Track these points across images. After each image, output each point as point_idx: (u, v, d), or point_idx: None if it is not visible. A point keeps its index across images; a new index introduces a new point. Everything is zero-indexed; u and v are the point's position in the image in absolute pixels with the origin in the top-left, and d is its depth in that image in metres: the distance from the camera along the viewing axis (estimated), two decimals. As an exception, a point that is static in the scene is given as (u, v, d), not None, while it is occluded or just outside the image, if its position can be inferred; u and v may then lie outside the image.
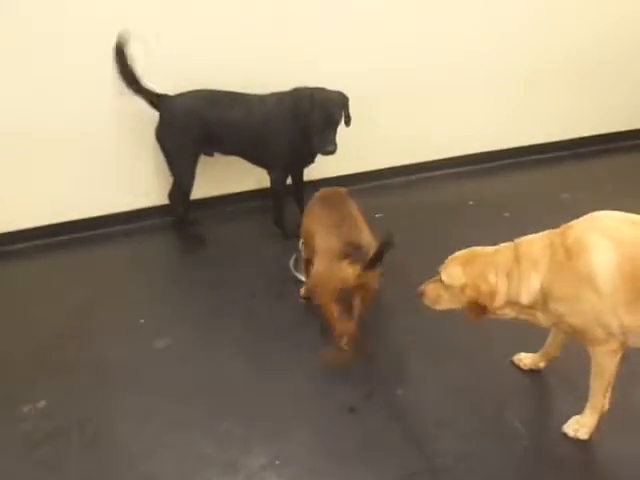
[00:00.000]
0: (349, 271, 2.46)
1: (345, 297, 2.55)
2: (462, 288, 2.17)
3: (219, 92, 3.42)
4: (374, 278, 2.53)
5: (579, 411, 2.27)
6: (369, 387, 2.54)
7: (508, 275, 2.13)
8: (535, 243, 2.14)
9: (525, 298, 2.13)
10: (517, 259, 2.13)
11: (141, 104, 3.35)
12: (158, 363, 2.72)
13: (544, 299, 2.11)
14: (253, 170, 3.65)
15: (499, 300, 2.15)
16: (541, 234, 2.17)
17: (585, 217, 2.13)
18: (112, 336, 2.90)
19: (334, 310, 2.54)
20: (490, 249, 2.22)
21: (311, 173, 3.85)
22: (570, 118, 4.60)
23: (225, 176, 3.89)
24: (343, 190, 2.94)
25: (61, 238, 3.70)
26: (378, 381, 2.57)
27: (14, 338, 2.93)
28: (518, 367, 2.58)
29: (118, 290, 3.27)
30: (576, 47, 4.37)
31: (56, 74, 3.35)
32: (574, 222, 2.13)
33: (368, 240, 2.56)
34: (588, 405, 2.24)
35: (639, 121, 4.78)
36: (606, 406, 2.24)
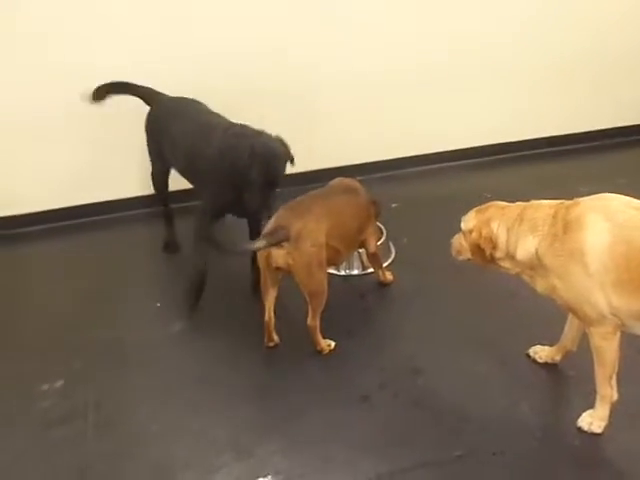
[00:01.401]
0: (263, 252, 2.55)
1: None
2: (470, 231, 2.32)
3: (194, 107, 3.14)
4: (298, 262, 2.52)
5: (593, 405, 2.27)
6: (383, 376, 2.55)
7: (509, 230, 2.23)
8: (541, 209, 2.21)
9: (520, 255, 2.21)
10: (521, 218, 2.22)
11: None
12: (174, 346, 2.74)
13: (540, 264, 2.17)
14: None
15: (499, 250, 2.26)
16: (551, 202, 2.23)
17: (595, 196, 2.17)
18: (128, 319, 2.93)
19: (264, 294, 2.66)
20: (504, 204, 2.34)
21: (325, 160, 3.83)
22: (587, 110, 4.55)
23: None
24: (348, 181, 2.97)
25: (78, 221, 3.73)
26: (392, 370, 2.58)
27: (31, 319, 2.97)
28: (534, 360, 2.57)
29: (135, 273, 3.29)
30: (593, 39, 4.31)
31: (68, 62, 3.38)
32: (583, 199, 2.17)
33: (299, 224, 2.53)
34: (597, 397, 2.25)
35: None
36: (615, 396, 2.23)
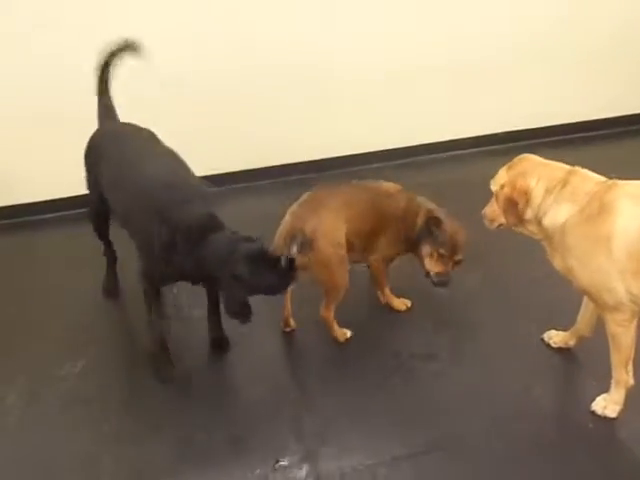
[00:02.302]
0: None
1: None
2: (502, 187, 2.20)
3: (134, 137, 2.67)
4: (314, 262, 2.45)
5: (608, 390, 2.27)
6: (397, 361, 2.57)
7: (547, 190, 2.13)
8: (588, 182, 2.12)
9: (547, 221, 2.14)
10: (564, 182, 2.12)
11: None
12: (194, 332, 2.74)
13: (561, 239, 2.11)
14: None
15: (531, 209, 2.15)
16: (598, 178, 2.15)
17: (636, 182, 2.10)
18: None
19: None
20: (541, 159, 2.24)
21: (338, 149, 3.83)
22: (618, 95, 4.48)
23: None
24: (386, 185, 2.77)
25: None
26: (406, 354, 2.60)
27: (49, 304, 3.00)
28: (548, 345, 2.58)
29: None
30: (623, 23, 4.26)
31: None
32: (623, 182, 2.10)
33: (313, 222, 2.46)
34: (612, 381, 2.25)
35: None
36: (631, 381, 2.23)
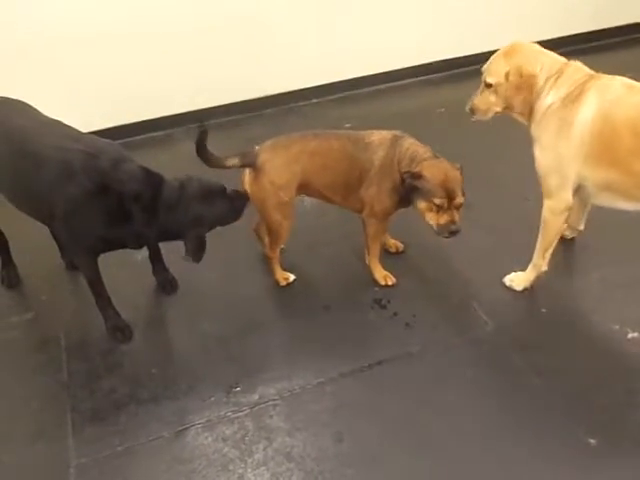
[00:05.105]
0: None
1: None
2: (506, 75, 2.30)
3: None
4: (254, 194, 2.46)
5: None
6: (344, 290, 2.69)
7: (547, 79, 2.28)
8: (579, 72, 2.28)
9: (538, 105, 2.29)
10: (561, 72, 2.27)
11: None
12: (142, 275, 2.75)
13: (541, 120, 2.29)
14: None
15: (534, 98, 2.29)
16: (589, 71, 2.30)
17: (611, 77, 2.27)
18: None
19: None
20: (535, 46, 2.36)
21: (278, 85, 3.81)
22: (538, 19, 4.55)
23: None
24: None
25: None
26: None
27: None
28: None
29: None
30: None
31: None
32: (606, 76, 2.27)
33: (266, 156, 2.46)
34: (530, 264, 2.52)
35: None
36: (545, 267, 2.51)
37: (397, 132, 2.49)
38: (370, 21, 4.08)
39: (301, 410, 2.17)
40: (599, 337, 2.39)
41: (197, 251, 2.30)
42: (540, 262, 2.50)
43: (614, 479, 1.91)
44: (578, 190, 2.35)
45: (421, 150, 2.41)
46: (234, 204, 2.38)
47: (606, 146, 2.18)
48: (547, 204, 2.38)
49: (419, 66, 4.36)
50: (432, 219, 2.37)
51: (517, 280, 2.56)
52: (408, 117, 3.88)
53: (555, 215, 2.37)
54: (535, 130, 2.34)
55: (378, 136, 2.47)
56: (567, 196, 2.32)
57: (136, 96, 3.64)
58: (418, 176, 2.31)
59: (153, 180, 2.27)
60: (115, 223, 2.25)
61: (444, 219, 2.35)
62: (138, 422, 2.17)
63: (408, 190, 2.36)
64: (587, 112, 2.18)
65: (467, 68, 4.39)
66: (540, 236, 2.45)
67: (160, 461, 2.05)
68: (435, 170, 2.33)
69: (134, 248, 2.45)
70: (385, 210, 2.52)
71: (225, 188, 2.37)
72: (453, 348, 2.36)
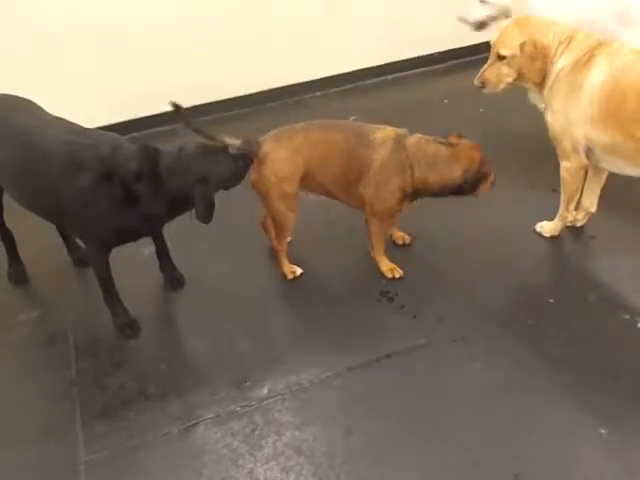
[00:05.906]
0: None
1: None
2: (521, 47, 2.38)
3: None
4: (257, 185, 2.49)
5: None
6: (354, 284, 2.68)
7: (559, 44, 2.36)
8: (589, 38, 2.36)
9: (553, 69, 2.38)
10: (571, 38, 2.36)
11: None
12: (148, 271, 2.74)
13: (553, 84, 2.39)
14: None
15: (548, 66, 2.38)
16: (596, 37, 2.37)
17: (620, 43, 2.36)
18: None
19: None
20: (545, 18, 2.45)
21: (281, 79, 3.79)
22: None
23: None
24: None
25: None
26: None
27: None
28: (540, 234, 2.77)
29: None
30: None
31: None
32: (617, 42, 2.37)
33: (269, 147, 2.46)
34: (557, 214, 2.68)
35: None
36: (570, 218, 2.71)
37: (399, 131, 2.46)
38: (374, 13, 4.05)
39: (310, 404, 2.17)
40: (609, 326, 2.37)
41: (206, 211, 2.26)
42: (565, 213, 2.66)
43: (625, 469, 1.90)
44: (587, 153, 2.44)
45: (433, 147, 2.38)
46: (237, 163, 2.36)
47: (613, 110, 2.26)
48: (563, 165, 2.51)
49: (423, 57, 4.34)
50: (486, 189, 2.45)
51: (547, 227, 2.72)
52: (413, 108, 3.86)
53: (572, 175, 2.52)
54: (547, 96, 2.42)
55: (382, 134, 2.44)
56: (581, 157, 2.43)
57: (141, 92, 3.62)
58: (485, 173, 2.40)
59: (149, 153, 2.27)
60: (125, 209, 2.25)
61: (489, 182, 2.46)
62: (147, 418, 2.17)
63: (472, 188, 2.40)
64: (596, 76, 2.28)
65: (470, 58, 4.37)
66: (563, 192, 2.60)
67: (169, 456, 2.05)
68: (475, 155, 2.39)
69: (147, 235, 2.45)
70: (386, 210, 2.50)
71: (227, 147, 2.37)
72: (461, 340, 2.35)
